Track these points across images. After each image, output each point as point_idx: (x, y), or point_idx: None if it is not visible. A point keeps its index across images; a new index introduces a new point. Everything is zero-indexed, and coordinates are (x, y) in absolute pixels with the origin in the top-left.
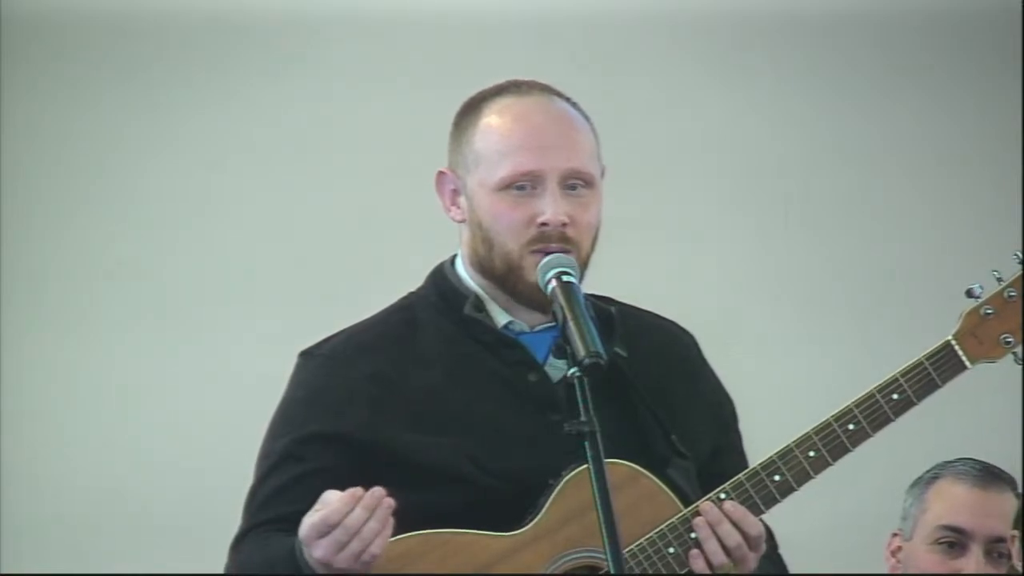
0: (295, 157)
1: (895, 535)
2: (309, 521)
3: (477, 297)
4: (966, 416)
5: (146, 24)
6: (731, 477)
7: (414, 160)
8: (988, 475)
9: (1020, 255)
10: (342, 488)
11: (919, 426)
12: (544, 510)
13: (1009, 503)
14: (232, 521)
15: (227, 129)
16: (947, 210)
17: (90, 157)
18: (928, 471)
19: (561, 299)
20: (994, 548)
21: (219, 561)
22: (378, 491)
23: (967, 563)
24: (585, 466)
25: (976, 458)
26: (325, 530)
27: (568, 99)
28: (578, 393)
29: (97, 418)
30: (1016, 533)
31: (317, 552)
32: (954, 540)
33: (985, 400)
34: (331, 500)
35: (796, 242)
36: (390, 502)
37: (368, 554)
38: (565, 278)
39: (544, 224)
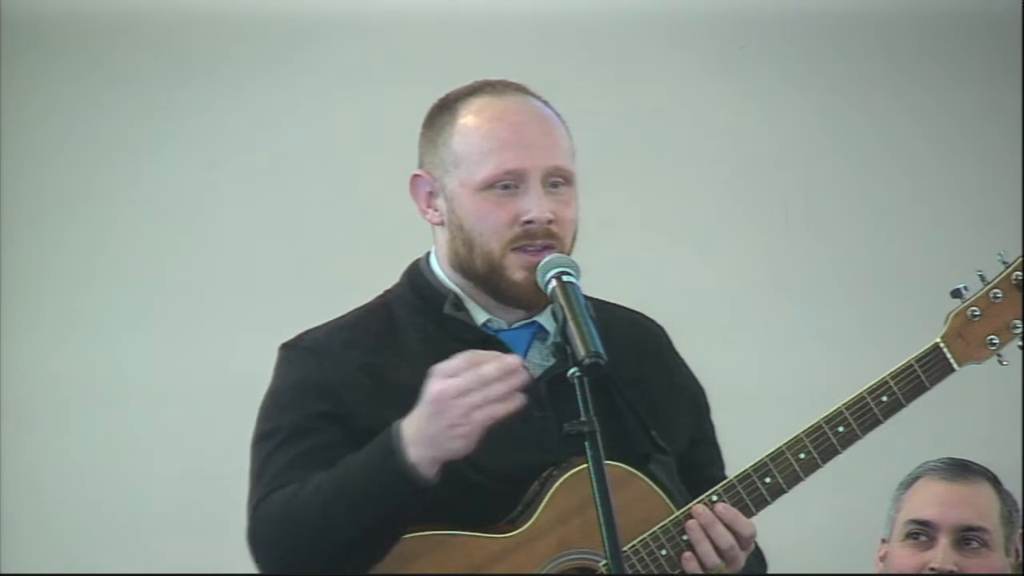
0: (295, 157)
1: (883, 542)
2: (449, 360)
3: (456, 296)
4: (966, 417)
5: (146, 24)
6: (705, 468)
7: (415, 159)
8: (957, 468)
9: (1001, 255)
10: None
11: (920, 427)
12: (539, 511)
13: (981, 494)
14: (232, 521)
15: (227, 129)
16: (947, 210)
17: (90, 157)
18: (909, 474)
19: (561, 299)
20: (964, 537)
21: (219, 561)
22: (517, 360)
23: (935, 555)
24: (579, 468)
25: (969, 459)
26: (464, 367)
27: (539, 97)
28: (578, 393)
29: (97, 418)
30: (1021, 531)
31: (436, 386)
32: (920, 532)
33: (986, 401)
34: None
35: (796, 241)
36: (525, 379)
37: (481, 415)
38: (565, 278)
39: (529, 222)
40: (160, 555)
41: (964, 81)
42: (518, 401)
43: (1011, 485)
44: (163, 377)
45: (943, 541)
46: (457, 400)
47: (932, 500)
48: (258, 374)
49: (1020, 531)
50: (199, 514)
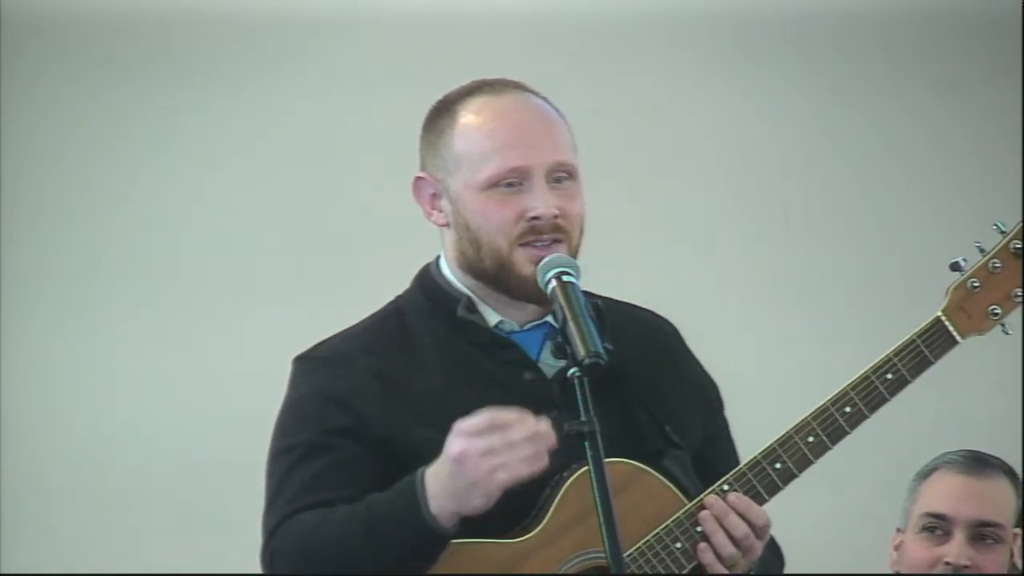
0: (295, 157)
1: (898, 531)
2: (472, 418)
3: (469, 299)
4: (967, 414)
5: (146, 24)
6: (722, 463)
7: (415, 160)
8: (975, 462)
9: (999, 225)
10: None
11: (920, 425)
12: (549, 515)
13: (999, 488)
14: (232, 521)
15: (227, 129)
16: (947, 210)
17: (90, 157)
18: (928, 463)
19: (561, 299)
20: (980, 532)
21: (219, 561)
22: (546, 425)
23: (950, 549)
24: (586, 468)
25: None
26: (486, 428)
27: (538, 94)
28: (578, 393)
29: (97, 418)
30: (1019, 531)
31: (457, 446)
32: (936, 526)
33: (985, 398)
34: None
35: (796, 242)
36: (552, 443)
37: (506, 475)
38: (565, 278)
39: (536, 218)
40: (160, 555)
41: (964, 81)
42: (544, 463)
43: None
44: (163, 377)
45: (958, 536)
46: (481, 460)
47: (948, 494)
48: (258, 373)
49: (1016, 531)
50: (199, 514)
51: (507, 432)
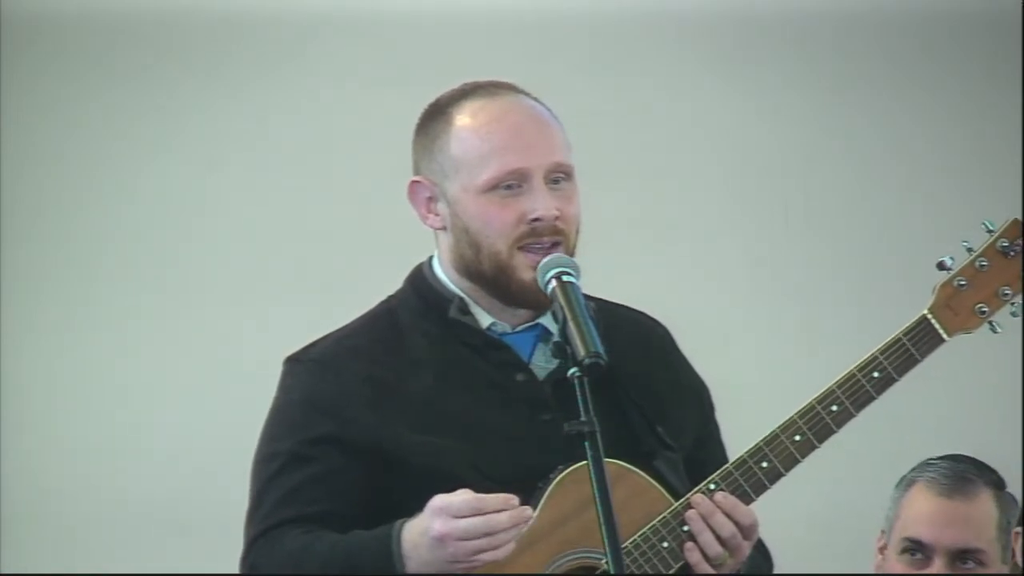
0: (295, 157)
1: (883, 532)
2: (454, 497)
3: (462, 300)
4: (965, 413)
5: (146, 24)
6: (712, 464)
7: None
8: (956, 481)
9: (987, 224)
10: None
11: (917, 423)
12: (537, 513)
13: (978, 509)
14: (233, 520)
15: (227, 129)
16: (947, 210)
17: (90, 157)
18: (911, 471)
19: (561, 299)
20: (960, 558)
21: (219, 561)
22: (528, 511)
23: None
24: (576, 466)
25: (964, 455)
26: (468, 512)
27: (530, 95)
28: (578, 393)
29: (97, 418)
30: (1019, 530)
31: (439, 526)
32: (916, 550)
33: (984, 397)
34: (469, 497)
35: (796, 242)
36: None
37: (488, 557)
38: (566, 278)
39: (536, 220)
40: (160, 555)
41: (964, 81)
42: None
43: (1009, 479)
44: (163, 377)
45: (938, 561)
46: (460, 544)
47: (927, 518)
48: (258, 374)
49: (1017, 530)
50: (199, 514)
51: (489, 517)
